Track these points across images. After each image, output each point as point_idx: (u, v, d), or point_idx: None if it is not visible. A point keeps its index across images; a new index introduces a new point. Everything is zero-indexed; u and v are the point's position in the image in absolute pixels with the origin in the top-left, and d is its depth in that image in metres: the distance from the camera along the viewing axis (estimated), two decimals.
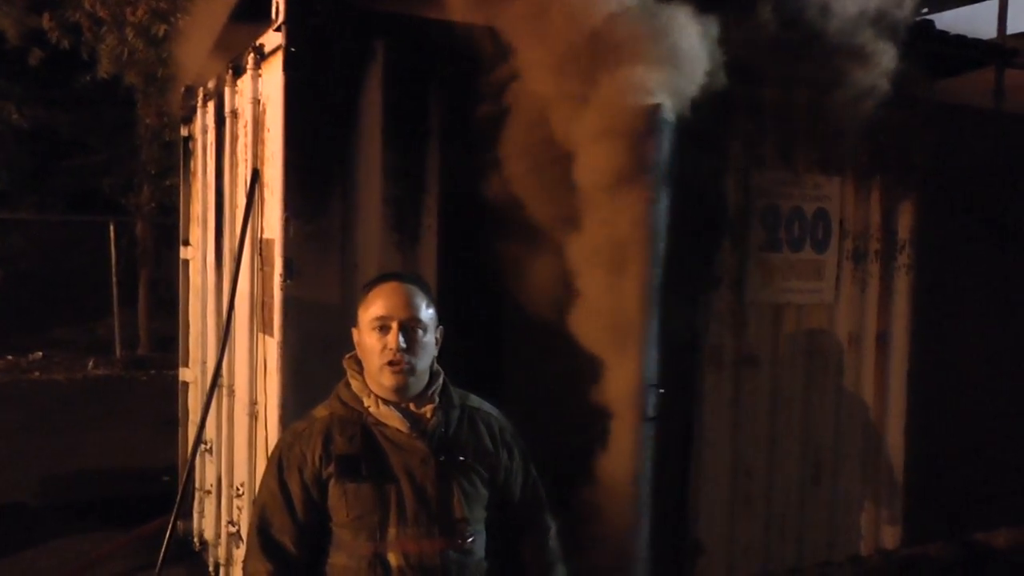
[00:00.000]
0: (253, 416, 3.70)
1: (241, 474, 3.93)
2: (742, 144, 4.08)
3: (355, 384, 2.31)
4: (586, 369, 3.08)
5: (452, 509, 2.24)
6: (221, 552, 4.33)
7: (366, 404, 2.27)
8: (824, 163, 4.31)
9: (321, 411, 2.32)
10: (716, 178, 3.98)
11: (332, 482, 2.21)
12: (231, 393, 4.12)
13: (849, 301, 4.47)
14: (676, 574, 4.01)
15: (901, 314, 4.63)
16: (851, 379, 4.52)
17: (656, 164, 2.83)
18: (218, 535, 4.43)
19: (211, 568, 4.57)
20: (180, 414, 5.39)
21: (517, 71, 3.06)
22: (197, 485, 4.90)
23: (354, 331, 2.33)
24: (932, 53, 4.65)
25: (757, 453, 4.24)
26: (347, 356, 2.37)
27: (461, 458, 2.27)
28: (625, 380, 2.93)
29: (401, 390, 2.24)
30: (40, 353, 12.03)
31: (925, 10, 6.08)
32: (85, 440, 7.88)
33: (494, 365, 3.49)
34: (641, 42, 2.83)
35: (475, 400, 2.40)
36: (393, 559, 2.19)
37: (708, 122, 3.25)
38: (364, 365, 2.30)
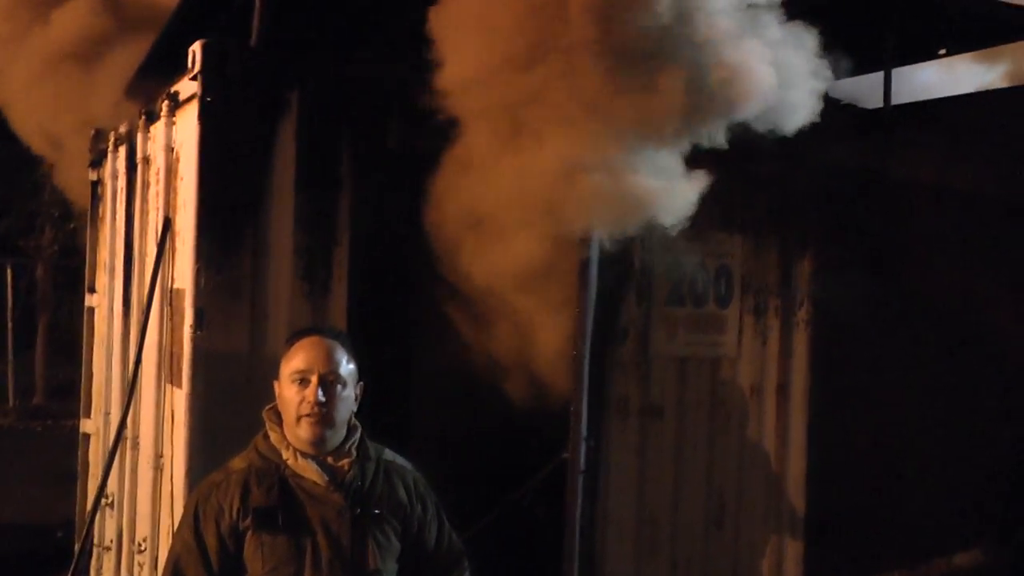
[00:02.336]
0: (158, 469, 3.62)
1: (144, 529, 3.82)
2: None
3: (273, 436, 2.32)
4: (504, 421, 3.13)
5: (367, 560, 2.26)
6: None
7: (284, 456, 2.29)
8: (726, 221, 4.49)
9: (238, 463, 2.33)
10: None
11: (249, 534, 2.22)
12: (135, 445, 4.02)
13: (751, 354, 4.63)
14: None
15: (800, 366, 4.81)
16: (753, 429, 4.67)
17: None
18: None
19: None
20: (79, 467, 5.21)
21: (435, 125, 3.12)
22: (96, 541, 4.73)
23: (275, 383, 2.36)
24: (825, 118, 4.91)
25: (662, 500, 4.33)
26: (266, 408, 2.39)
27: (376, 511, 2.30)
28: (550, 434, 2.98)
29: (318, 443, 2.27)
30: None
31: None
32: None
33: (403, 416, 3.51)
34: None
35: (389, 454, 2.44)
36: None
37: None
38: (283, 417, 2.32)
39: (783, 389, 4.77)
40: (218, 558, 2.23)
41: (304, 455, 2.27)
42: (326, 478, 2.26)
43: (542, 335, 3.05)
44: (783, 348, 4.75)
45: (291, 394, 2.27)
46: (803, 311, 4.82)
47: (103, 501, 4.44)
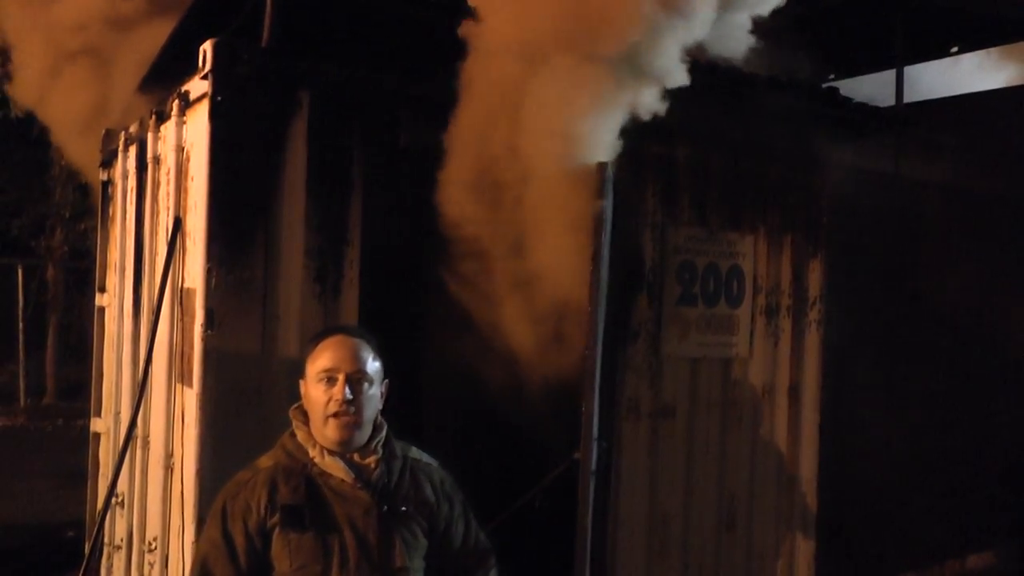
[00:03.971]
0: (168, 469, 3.62)
1: (154, 528, 3.82)
2: (658, 202, 4.22)
3: (300, 435, 2.34)
4: (514, 423, 3.12)
5: (393, 558, 2.28)
6: None
7: (311, 455, 2.30)
8: (738, 222, 4.48)
9: (265, 461, 2.34)
10: (633, 234, 4.09)
11: (276, 532, 2.23)
12: (146, 445, 4.02)
13: (762, 354, 4.61)
14: None
15: (812, 367, 4.80)
16: (765, 429, 4.66)
17: (604, 221, 2.90)
18: None
19: None
20: (90, 466, 5.22)
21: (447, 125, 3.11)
22: (106, 540, 4.73)
23: (301, 382, 2.37)
24: (838, 118, 4.90)
25: (673, 501, 4.32)
26: (293, 407, 2.40)
27: (403, 508, 2.32)
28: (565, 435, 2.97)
29: (345, 442, 2.28)
30: None
31: (832, 77, 6.41)
32: None
33: (413, 418, 3.49)
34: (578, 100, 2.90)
35: (416, 452, 2.46)
36: None
37: (626, 179, 3.36)
38: (309, 416, 2.33)
39: (795, 390, 4.76)
40: (246, 556, 2.24)
41: (331, 453, 2.29)
42: (353, 476, 2.28)
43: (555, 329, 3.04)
44: (795, 349, 4.74)
45: (318, 393, 2.29)
46: (815, 311, 4.81)
47: (114, 500, 4.44)
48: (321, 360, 2.30)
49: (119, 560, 4.50)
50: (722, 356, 4.44)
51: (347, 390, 2.25)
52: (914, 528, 5.30)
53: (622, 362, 4.07)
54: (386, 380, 2.38)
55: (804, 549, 4.81)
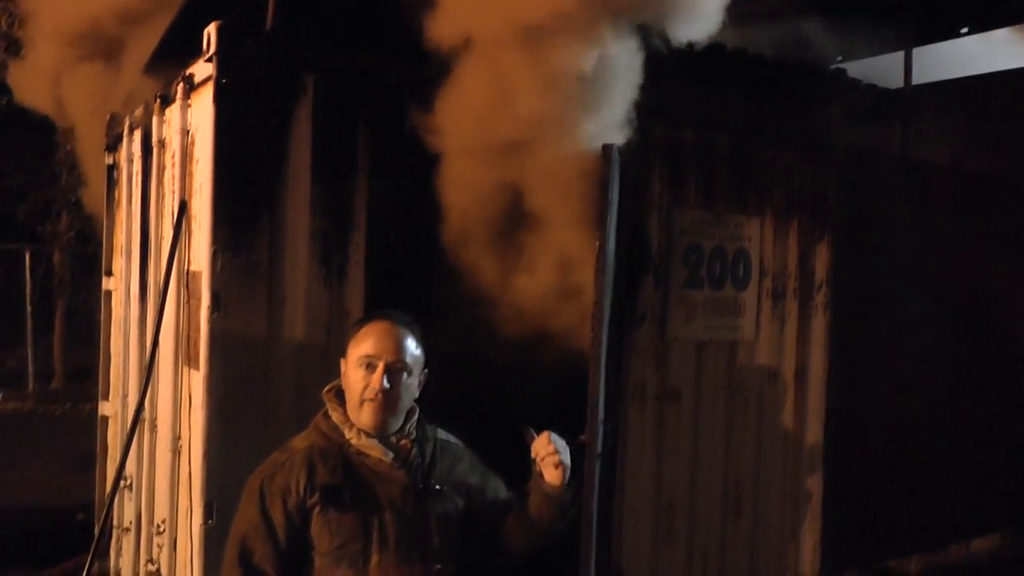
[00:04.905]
0: (176, 451, 3.63)
1: (162, 511, 3.85)
2: (665, 185, 4.20)
3: (335, 416, 2.37)
4: (521, 406, 3.12)
5: (431, 536, 2.33)
6: None
7: (347, 436, 2.34)
8: (744, 204, 4.46)
9: (300, 442, 2.37)
10: (640, 216, 4.08)
11: (316, 512, 2.27)
12: (153, 428, 4.04)
13: (768, 338, 4.60)
14: None
15: (818, 350, 4.79)
16: (771, 413, 4.65)
17: (610, 204, 2.89)
18: (136, 574, 4.31)
19: None
20: (98, 449, 5.25)
21: (453, 108, 3.10)
22: (115, 523, 4.76)
23: (342, 361, 2.40)
24: (845, 101, 4.87)
25: (680, 485, 4.32)
26: (326, 388, 2.44)
27: (438, 487, 2.37)
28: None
29: (379, 427, 2.33)
30: None
31: (839, 58, 6.36)
32: None
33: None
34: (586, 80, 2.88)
35: (443, 434, 2.52)
36: None
37: (631, 162, 3.34)
38: (347, 397, 2.36)
39: (801, 373, 4.75)
40: (285, 534, 2.27)
41: (368, 434, 2.34)
42: (391, 456, 2.32)
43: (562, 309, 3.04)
44: (801, 332, 4.73)
45: (357, 377, 2.32)
46: (821, 295, 4.79)
47: (122, 483, 4.47)
48: (364, 345, 2.33)
49: (128, 542, 4.53)
50: (728, 339, 4.43)
51: (385, 379, 2.29)
52: (921, 511, 5.30)
53: (628, 345, 4.07)
54: (425, 370, 2.41)
55: (811, 533, 4.81)
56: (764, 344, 4.59)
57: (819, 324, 4.79)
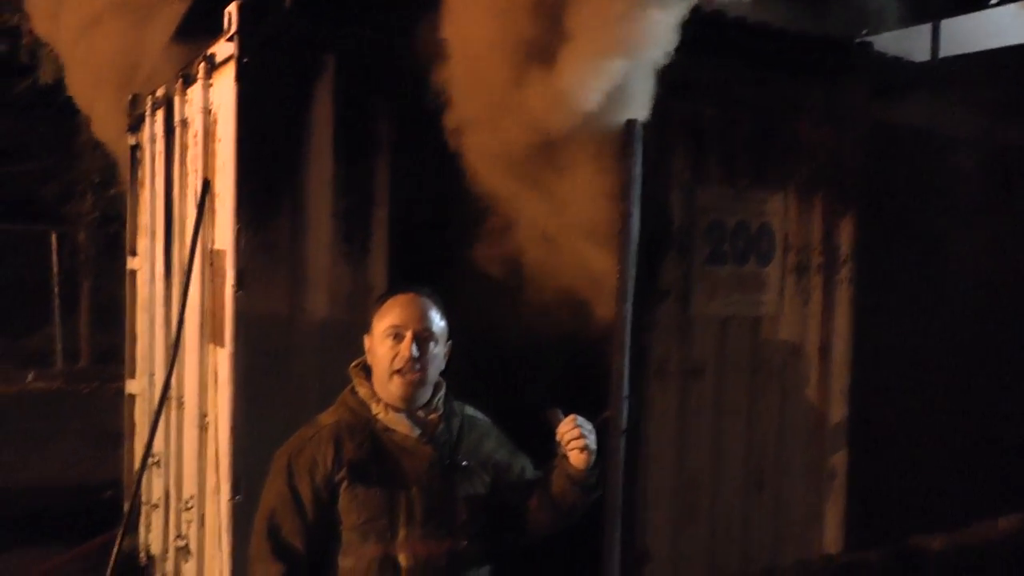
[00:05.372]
0: (203, 428, 3.67)
1: (190, 487, 3.89)
2: (687, 160, 4.17)
3: (363, 391, 2.38)
4: (542, 384, 3.13)
5: (458, 512, 2.34)
6: (169, 567, 4.28)
7: (374, 411, 2.34)
8: (767, 179, 4.43)
9: (327, 417, 2.38)
10: (661, 193, 4.06)
11: (343, 486, 2.28)
12: (180, 405, 4.09)
13: (792, 313, 4.58)
14: None
15: (842, 326, 4.76)
16: (794, 389, 4.63)
17: (632, 180, 2.87)
18: (165, 550, 4.38)
19: None
20: (125, 427, 5.31)
21: (474, 84, 3.08)
22: (144, 499, 4.83)
23: (366, 338, 2.40)
24: (870, 74, 4.80)
25: (702, 461, 4.32)
26: (353, 364, 2.44)
27: (465, 463, 2.37)
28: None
29: (409, 399, 2.33)
30: None
31: (864, 32, 6.27)
32: (24, 454, 7.70)
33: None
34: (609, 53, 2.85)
35: (470, 410, 2.51)
36: (403, 560, 2.28)
37: (653, 138, 3.32)
38: (373, 372, 2.37)
39: (825, 349, 4.73)
40: (313, 509, 2.28)
41: (395, 409, 2.33)
42: (417, 431, 2.32)
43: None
44: (825, 307, 4.70)
45: (384, 350, 2.31)
46: (846, 270, 4.76)
47: (150, 460, 4.53)
48: (389, 317, 2.33)
49: (157, 519, 4.60)
50: (751, 315, 4.42)
51: (414, 347, 2.28)
52: (945, 488, 5.27)
53: (651, 321, 4.06)
54: (450, 341, 2.41)
55: (833, 510, 4.80)
56: (787, 320, 4.57)
57: (843, 299, 4.75)
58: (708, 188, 4.23)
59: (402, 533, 2.28)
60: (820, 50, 4.53)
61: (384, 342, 2.32)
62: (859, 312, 4.76)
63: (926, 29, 5.28)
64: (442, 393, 2.41)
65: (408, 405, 2.33)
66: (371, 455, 2.29)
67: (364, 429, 2.32)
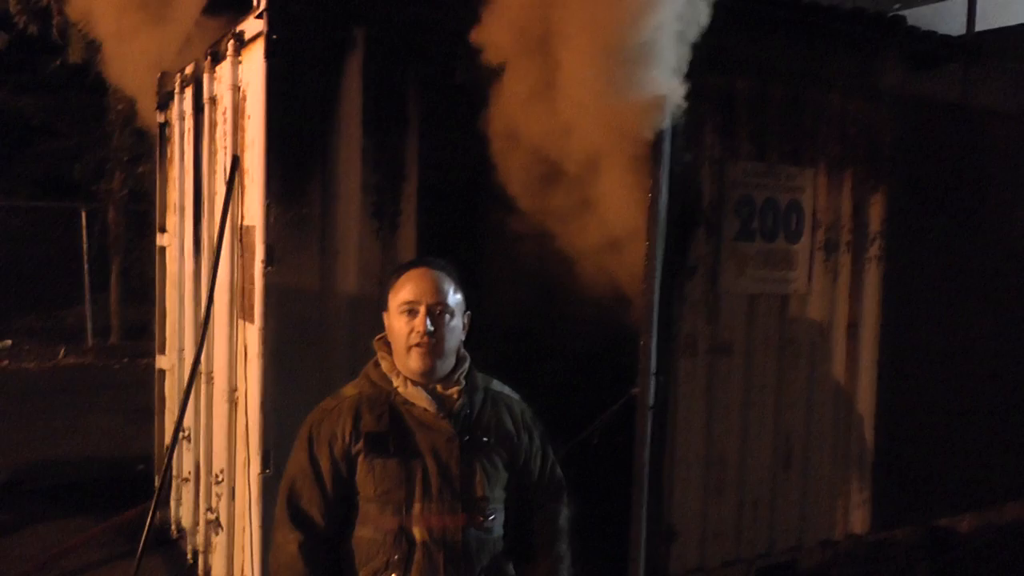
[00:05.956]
0: (232, 403, 3.71)
1: (220, 461, 3.94)
2: (717, 135, 4.14)
3: (384, 364, 2.38)
4: (570, 358, 3.12)
5: (474, 488, 2.32)
6: (199, 539, 4.34)
7: (394, 384, 2.35)
8: (798, 155, 4.38)
9: (350, 389, 2.40)
10: (691, 169, 4.03)
11: (361, 458, 2.29)
12: (210, 380, 4.13)
13: (821, 291, 4.54)
14: (650, 558, 4.07)
15: (871, 304, 4.72)
16: (822, 367, 4.60)
17: (662, 155, 2.85)
18: (196, 523, 4.44)
19: (188, 556, 4.58)
20: (156, 402, 5.37)
21: (501, 61, 3.07)
22: (175, 473, 4.90)
23: (384, 314, 2.40)
24: (903, 47, 4.73)
25: (730, 439, 4.31)
26: (377, 337, 2.44)
27: (484, 439, 2.36)
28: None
29: (427, 372, 2.32)
30: (9, 341, 11.89)
31: (897, 5, 6.19)
32: (58, 429, 7.82)
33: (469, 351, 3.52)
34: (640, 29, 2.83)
35: (498, 384, 2.49)
36: (417, 533, 2.28)
37: (684, 112, 3.29)
38: (392, 347, 2.37)
39: (854, 327, 4.69)
40: (331, 480, 2.31)
41: (414, 383, 2.34)
42: (435, 405, 2.32)
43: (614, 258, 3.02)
44: (854, 285, 4.66)
45: (400, 325, 2.32)
46: (875, 247, 4.71)
47: (180, 435, 4.59)
48: (403, 292, 2.33)
49: (188, 492, 4.66)
50: (780, 292, 4.38)
51: (428, 322, 2.28)
52: (973, 468, 5.23)
53: (679, 298, 4.04)
54: (468, 312, 2.40)
55: (861, 488, 4.78)
56: (816, 297, 4.53)
57: (872, 277, 4.71)
58: (738, 163, 4.19)
59: (417, 507, 2.28)
60: (854, 23, 4.46)
61: (400, 318, 2.32)
62: (889, 290, 4.71)
63: (961, 1, 5.18)
64: (465, 367, 2.40)
65: (427, 379, 2.33)
66: (389, 428, 2.30)
67: (384, 402, 2.33)
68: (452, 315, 2.33)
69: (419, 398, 2.32)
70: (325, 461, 2.31)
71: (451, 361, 2.36)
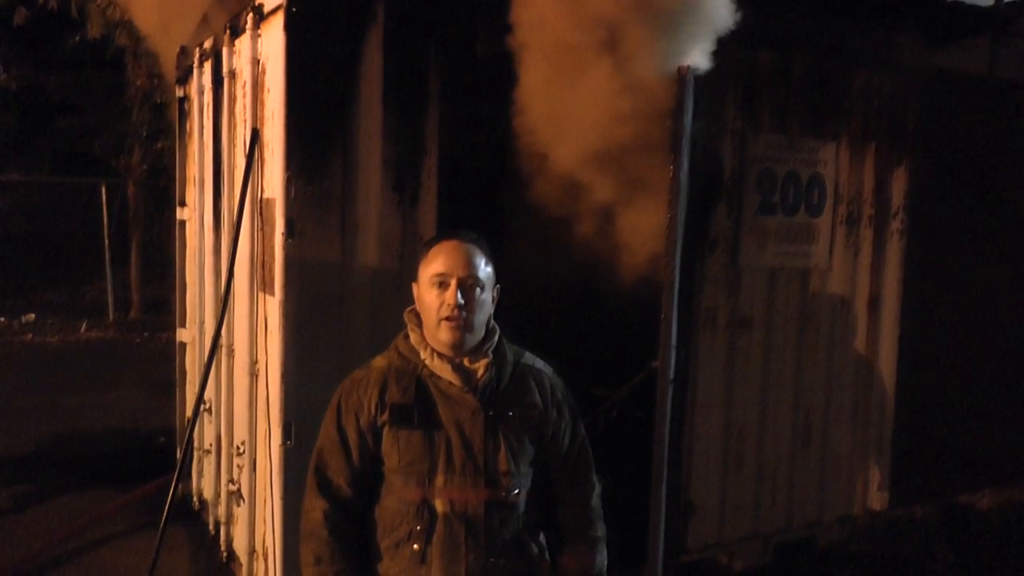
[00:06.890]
0: (253, 375, 3.73)
1: (241, 433, 3.97)
2: (739, 108, 4.10)
3: (413, 337, 2.39)
4: (590, 332, 3.12)
5: (498, 462, 2.32)
6: (221, 511, 4.38)
7: (422, 356, 2.35)
8: (820, 129, 4.34)
9: (379, 361, 2.40)
10: (712, 142, 4.00)
11: (386, 429, 2.31)
12: (231, 353, 4.15)
13: (842, 265, 4.51)
14: (669, 533, 4.09)
15: (893, 279, 4.69)
16: (843, 342, 4.58)
17: (684, 126, 2.82)
18: (218, 494, 4.48)
19: (211, 527, 4.63)
20: (177, 375, 5.41)
21: (524, 33, 3.04)
22: (196, 445, 4.94)
23: (414, 286, 2.40)
24: (928, 19, 4.66)
25: (749, 414, 4.31)
26: (408, 309, 2.44)
27: (510, 413, 2.35)
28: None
29: (457, 345, 2.32)
30: (32, 316, 12.01)
31: None
32: (80, 402, 7.91)
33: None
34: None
35: (529, 358, 2.47)
36: (439, 506, 2.29)
37: (706, 85, 3.26)
38: (423, 319, 2.37)
39: (875, 302, 4.66)
40: (358, 450, 2.33)
41: (441, 356, 2.34)
42: (460, 379, 2.32)
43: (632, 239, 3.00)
44: (876, 260, 4.63)
45: (431, 297, 2.32)
46: (897, 221, 4.67)
47: (202, 407, 4.62)
48: (434, 265, 2.33)
49: (209, 464, 4.70)
50: (801, 267, 4.36)
51: (459, 295, 2.28)
52: (994, 445, 5.20)
53: (700, 272, 4.03)
54: (497, 285, 2.40)
55: (880, 464, 4.77)
56: (837, 272, 4.50)
57: (894, 252, 4.67)
58: (760, 136, 4.15)
59: (440, 479, 2.29)
60: None
61: (430, 290, 2.31)
62: (910, 265, 4.68)
63: None
64: (495, 340, 2.39)
65: (456, 352, 2.33)
66: (415, 400, 2.31)
67: (411, 374, 2.34)
68: (483, 288, 2.32)
69: (445, 371, 2.32)
70: (352, 431, 2.32)
71: (480, 334, 2.35)
